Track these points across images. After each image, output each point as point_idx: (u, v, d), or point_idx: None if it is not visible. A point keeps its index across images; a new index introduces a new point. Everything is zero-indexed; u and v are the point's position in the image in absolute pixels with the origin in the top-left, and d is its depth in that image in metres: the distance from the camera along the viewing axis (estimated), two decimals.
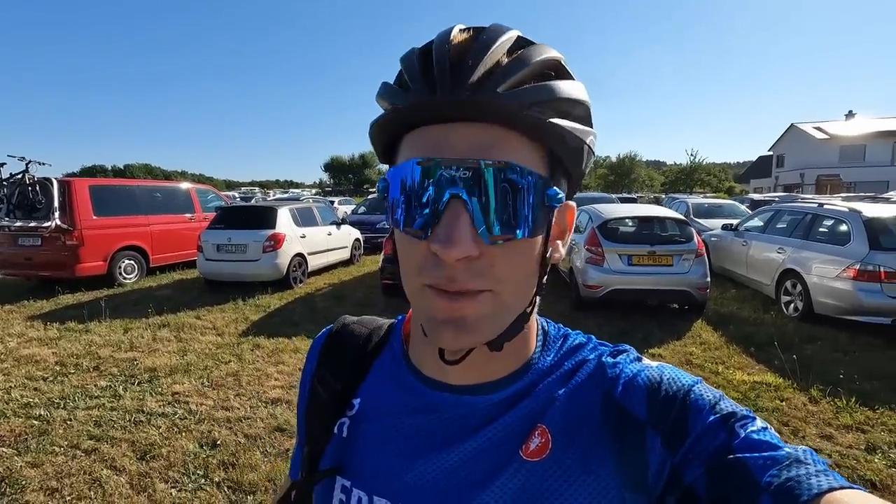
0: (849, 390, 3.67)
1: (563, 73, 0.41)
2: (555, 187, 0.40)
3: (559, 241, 0.45)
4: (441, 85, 0.37)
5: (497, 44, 0.38)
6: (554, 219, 0.43)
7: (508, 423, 0.44)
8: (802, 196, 15.93)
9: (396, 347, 0.54)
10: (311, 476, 0.50)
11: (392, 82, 0.42)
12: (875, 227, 5.09)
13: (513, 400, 0.46)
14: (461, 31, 0.40)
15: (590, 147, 0.42)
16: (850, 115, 34.80)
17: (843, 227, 5.39)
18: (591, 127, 0.43)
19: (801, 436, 3.13)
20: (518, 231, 0.38)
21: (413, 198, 0.38)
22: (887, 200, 9.66)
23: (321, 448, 0.51)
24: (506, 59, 0.38)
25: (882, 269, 4.78)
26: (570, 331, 0.52)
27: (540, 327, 0.51)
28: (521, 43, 0.40)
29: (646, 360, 0.47)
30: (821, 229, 5.84)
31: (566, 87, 0.39)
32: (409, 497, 0.45)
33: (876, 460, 2.83)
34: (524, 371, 0.47)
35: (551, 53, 0.40)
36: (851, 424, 3.25)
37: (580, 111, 0.41)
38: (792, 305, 5.78)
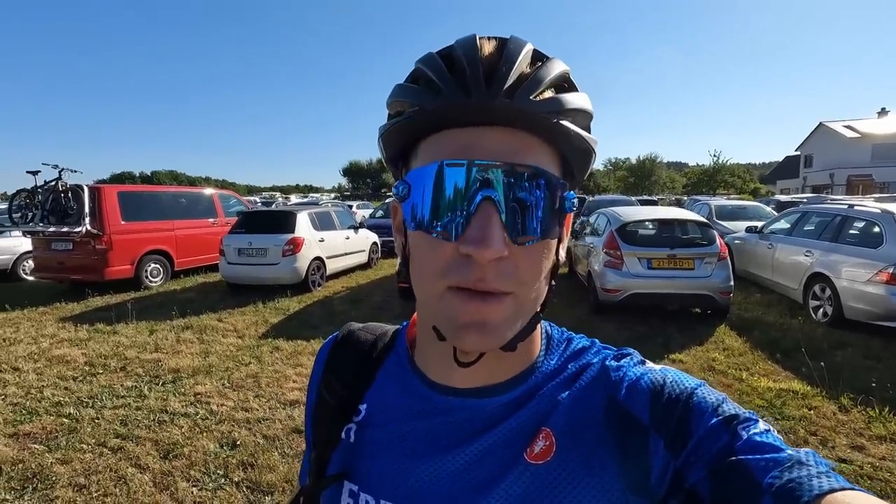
0: (882, 399, 3.52)
1: (571, 85, 0.43)
2: (571, 192, 0.42)
3: (560, 245, 0.46)
4: (476, 89, 0.38)
5: (522, 55, 0.40)
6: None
7: (513, 426, 0.45)
8: (832, 197, 15.39)
9: (402, 353, 0.55)
10: (319, 482, 0.51)
11: (419, 77, 0.43)
12: None
13: (517, 403, 0.46)
14: (485, 39, 0.41)
15: (595, 154, 0.44)
16: (882, 112, 33.57)
17: (876, 229, 5.19)
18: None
19: (831, 446, 3.02)
20: (542, 233, 0.40)
21: (442, 199, 0.39)
22: None
23: (328, 454, 0.52)
24: (529, 70, 0.40)
25: None
26: (574, 334, 0.53)
27: (544, 331, 0.51)
28: (537, 55, 0.42)
29: (649, 364, 0.47)
30: (851, 231, 5.62)
31: (578, 99, 0.41)
32: (416, 500, 0.45)
33: None
34: (528, 374, 0.48)
35: (564, 67, 0.42)
36: (885, 435, 3.11)
37: (586, 120, 0.43)
38: (821, 310, 5.58)
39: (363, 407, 0.53)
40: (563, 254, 0.47)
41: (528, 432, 0.44)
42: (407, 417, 0.49)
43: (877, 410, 3.38)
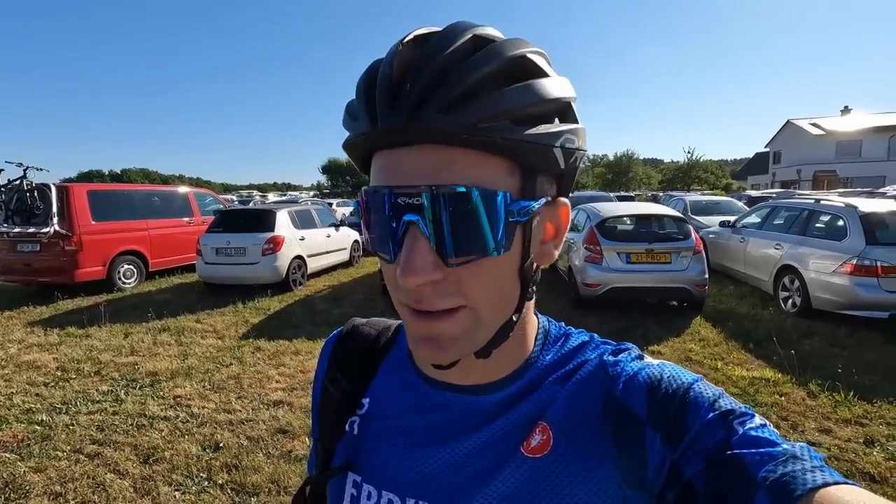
0: (847, 384, 3.70)
1: (529, 71, 0.39)
2: (521, 201, 0.38)
3: (551, 242, 0.45)
4: (381, 113, 0.36)
5: (445, 53, 0.36)
6: (540, 226, 0.42)
7: (510, 421, 0.45)
8: (799, 192, 15.98)
9: (403, 348, 0.56)
10: (325, 472, 0.52)
11: (351, 103, 0.42)
12: (871, 221, 5.12)
13: (514, 398, 0.47)
14: (411, 40, 0.38)
15: (564, 147, 0.39)
16: (845, 110, 34.91)
17: (840, 223, 5.42)
18: (571, 121, 0.41)
19: (801, 430, 3.16)
20: (480, 252, 0.37)
21: (375, 225, 0.40)
22: (883, 195, 9.71)
23: (334, 445, 0.53)
24: (453, 69, 0.36)
25: (879, 264, 4.80)
26: (573, 329, 0.53)
27: (541, 326, 0.51)
28: (480, 43, 0.37)
29: (648, 359, 0.47)
30: (817, 225, 5.86)
31: (525, 91, 0.37)
32: (416, 491, 0.46)
33: (874, 453, 2.86)
34: (525, 370, 0.48)
35: (511, 51, 0.37)
36: (850, 418, 3.27)
37: (550, 108, 0.39)
38: (790, 301, 5.81)
39: (366, 400, 0.54)
40: (556, 251, 0.45)
41: (525, 427, 0.45)
42: (406, 412, 0.50)
43: (842, 395, 3.55)
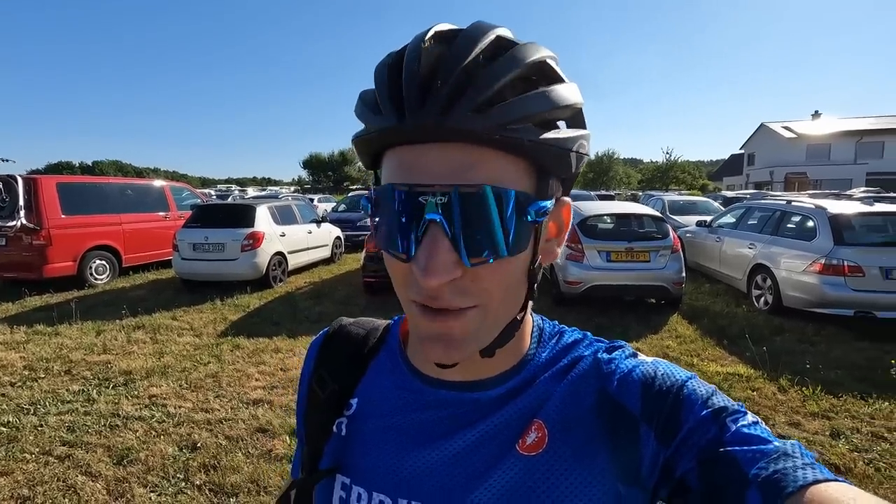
0: (815, 379, 3.84)
1: (548, 75, 0.39)
2: (539, 201, 0.38)
3: (555, 241, 0.45)
4: (409, 108, 0.35)
5: (472, 54, 0.36)
6: (545, 226, 0.42)
7: (505, 418, 0.45)
8: (772, 193, 16.48)
9: (394, 347, 0.55)
10: (311, 475, 0.51)
11: (369, 94, 0.41)
12: (839, 223, 5.32)
13: (509, 395, 0.47)
14: (434, 37, 0.38)
15: (578, 152, 0.40)
16: (816, 115, 36.10)
17: (810, 224, 5.61)
18: (582, 127, 0.42)
19: (772, 423, 3.26)
20: (499, 252, 0.37)
21: (392, 222, 0.38)
22: (850, 197, 10.09)
23: (320, 447, 0.52)
24: (481, 71, 0.36)
25: (845, 264, 4.99)
26: (566, 328, 0.53)
27: (535, 325, 0.52)
28: (502, 44, 0.38)
29: (641, 356, 0.47)
30: (789, 225, 6.06)
31: (547, 96, 0.37)
32: (408, 491, 0.45)
33: (840, 445, 2.98)
34: (520, 367, 0.48)
35: (534, 56, 0.37)
36: (817, 412, 3.40)
37: (566, 114, 0.40)
38: (762, 299, 6.00)
39: (354, 401, 0.53)
40: (559, 249, 0.46)
41: (521, 424, 0.45)
42: (399, 410, 0.49)
43: (811, 390, 3.68)
